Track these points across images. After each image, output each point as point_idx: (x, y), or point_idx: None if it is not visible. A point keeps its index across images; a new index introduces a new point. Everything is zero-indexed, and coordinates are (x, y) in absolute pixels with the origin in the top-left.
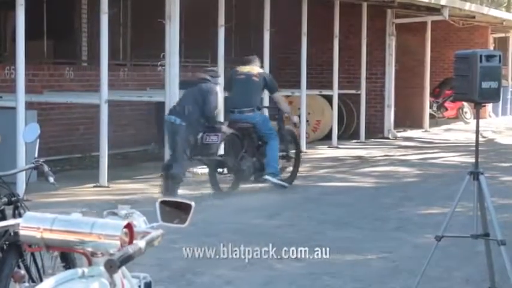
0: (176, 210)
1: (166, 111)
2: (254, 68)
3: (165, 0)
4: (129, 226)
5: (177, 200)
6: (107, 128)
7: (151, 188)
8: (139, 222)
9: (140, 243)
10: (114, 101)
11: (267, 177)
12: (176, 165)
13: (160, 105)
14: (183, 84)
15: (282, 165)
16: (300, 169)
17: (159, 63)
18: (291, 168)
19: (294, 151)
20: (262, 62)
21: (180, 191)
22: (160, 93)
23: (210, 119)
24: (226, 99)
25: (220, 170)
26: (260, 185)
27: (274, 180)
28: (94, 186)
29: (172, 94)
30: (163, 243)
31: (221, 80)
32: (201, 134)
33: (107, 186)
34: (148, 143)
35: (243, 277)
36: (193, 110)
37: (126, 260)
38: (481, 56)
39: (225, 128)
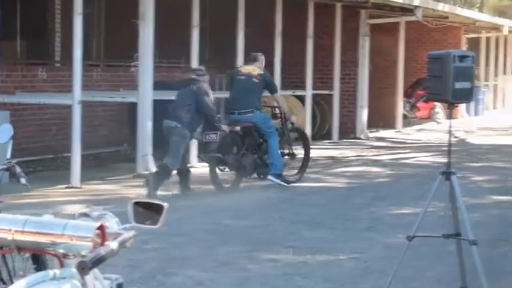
0: (148, 211)
1: (140, 112)
2: (255, 69)
3: (139, 1)
4: (101, 227)
5: (149, 201)
6: (79, 128)
7: (123, 189)
8: (112, 223)
9: (112, 244)
10: (87, 101)
11: (270, 177)
12: (169, 158)
13: (133, 106)
14: (161, 85)
15: (285, 162)
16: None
17: (132, 63)
18: (294, 168)
19: (303, 149)
20: (236, 61)
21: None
22: (133, 94)
23: (210, 118)
24: (226, 99)
25: (221, 167)
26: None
27: (277, 181)
28: (66, 187)
29: (145, 95)
30: (135, 244)
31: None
32: (199, 132)
33: (79, 187)
34: (120, 144)
35: (214, 278)
36: (190, 111)
37: (98, 261)
38: (454, 56)
39: (224, 126)
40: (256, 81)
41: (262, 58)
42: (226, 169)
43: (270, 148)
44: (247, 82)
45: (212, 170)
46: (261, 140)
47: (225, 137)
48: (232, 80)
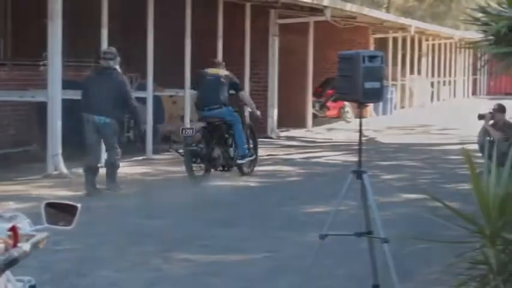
0: (62, 212)
1: (50, 111)
2: (221, 71)
3: (47, 0)
4: (13, 229)
5: (62, 201)
6: None
7: (34, 189)
8: (24, 224)
9: (25, 246)
10: None
11: (239, 161)
12: (111, 156)
13: (42, 105)
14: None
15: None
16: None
17: (41, 62)
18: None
19: (252, 144)
20: (146, 61)
21: (65, 193)
22: (42, 93)
23: (133, 109)
24: (196, 97)
25: (194, 159)
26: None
27: (243, 161)
28: None
29: (54, 94)
30: (46, 245)
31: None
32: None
33: None
34: (29, 144)
35: (127, 278)
36: (116, 103)
37: (11, 263)
38: (363, 56)
39: (197, 123)
40: (223, 80)
41: (223, 64)
42: (198, 160)
43: (237, 132)
44: (215, 82)
45: (187, 162)
46: (227, 135)
47: (198, 131)
48: (201, 80)
